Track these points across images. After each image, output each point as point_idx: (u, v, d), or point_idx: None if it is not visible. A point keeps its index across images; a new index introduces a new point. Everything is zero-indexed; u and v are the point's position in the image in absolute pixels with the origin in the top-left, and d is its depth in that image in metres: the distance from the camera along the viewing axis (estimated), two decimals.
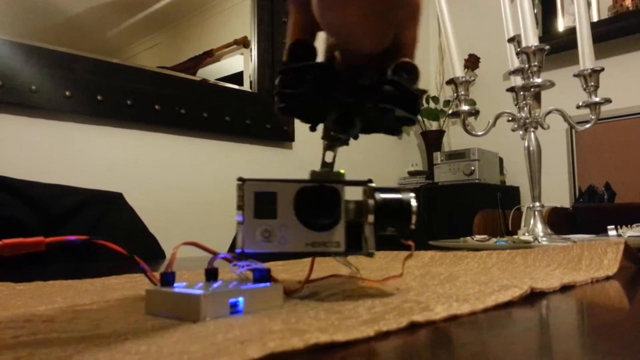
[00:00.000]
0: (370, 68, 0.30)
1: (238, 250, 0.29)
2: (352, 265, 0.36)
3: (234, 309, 0.26)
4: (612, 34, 2.28)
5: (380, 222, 0.30)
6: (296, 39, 0.31)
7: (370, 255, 0.30)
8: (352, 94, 0.30)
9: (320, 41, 0.32)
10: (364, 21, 0.27)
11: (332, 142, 0.33)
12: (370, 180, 0.30)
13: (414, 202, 0.30)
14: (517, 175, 2.51)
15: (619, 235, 0.83)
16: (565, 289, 0.35)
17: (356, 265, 0.37)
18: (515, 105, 0.90)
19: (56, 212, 0.88)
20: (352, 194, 0.31)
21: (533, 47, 0.85)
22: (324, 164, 0.32)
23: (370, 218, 0.29)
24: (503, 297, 0.29)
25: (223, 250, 0.33)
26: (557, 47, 2.10)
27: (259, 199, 0.29)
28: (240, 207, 0.28)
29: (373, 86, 0.30)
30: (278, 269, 0.51)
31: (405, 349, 0.21)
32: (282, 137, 2.17)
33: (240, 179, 0.29)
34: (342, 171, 0.30)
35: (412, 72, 0.30)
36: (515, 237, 0.82)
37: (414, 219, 0.30)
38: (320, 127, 0.34)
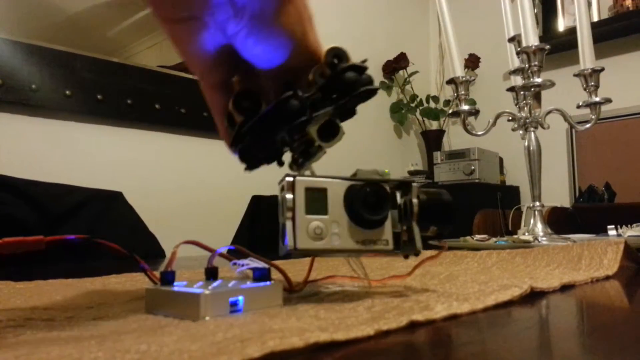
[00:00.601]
0: (309, 70, 0.30)
1: (287, 249, 0.28)
2: (362, 266, 0.36)
3: (233, 307, 0.26)
4: (612, 34, 2.28)
5: (424, 221, 0.30)
6: (235, 94, 0.31)
7: (417, 253, 0.30)
8: (322, 103, 0.30)
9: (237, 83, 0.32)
10: (307, 26, 0.29)
11: (306, 160, 0.33)
12: (413, 180, 0.31)
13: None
14: (517, 175, 2.51)
15: (619, 235, 0.83)
16: (565, 288, 0.35)
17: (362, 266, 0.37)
18: (516, 105, 0.90)
19: (56, 210, 0.88)
20: None
21: (533, 47, 0.84)
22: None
23: (416, 217, 0.30)
24: (503, 297, 0.29)
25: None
26: (558, 47, 2.10)
27: (310, 195, 0.29)
28: (290, 206, 0.28)
29: (331, 82, 0.30)
30: None
31: (405, 348, 0.21)
32: None
33: (289, 175, 0.28)
34: (386, 170, 0.31)
35: (342, 55, 0.31)
36: (515, 236, 0.82)
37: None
38: (285, 158, 0.34)
